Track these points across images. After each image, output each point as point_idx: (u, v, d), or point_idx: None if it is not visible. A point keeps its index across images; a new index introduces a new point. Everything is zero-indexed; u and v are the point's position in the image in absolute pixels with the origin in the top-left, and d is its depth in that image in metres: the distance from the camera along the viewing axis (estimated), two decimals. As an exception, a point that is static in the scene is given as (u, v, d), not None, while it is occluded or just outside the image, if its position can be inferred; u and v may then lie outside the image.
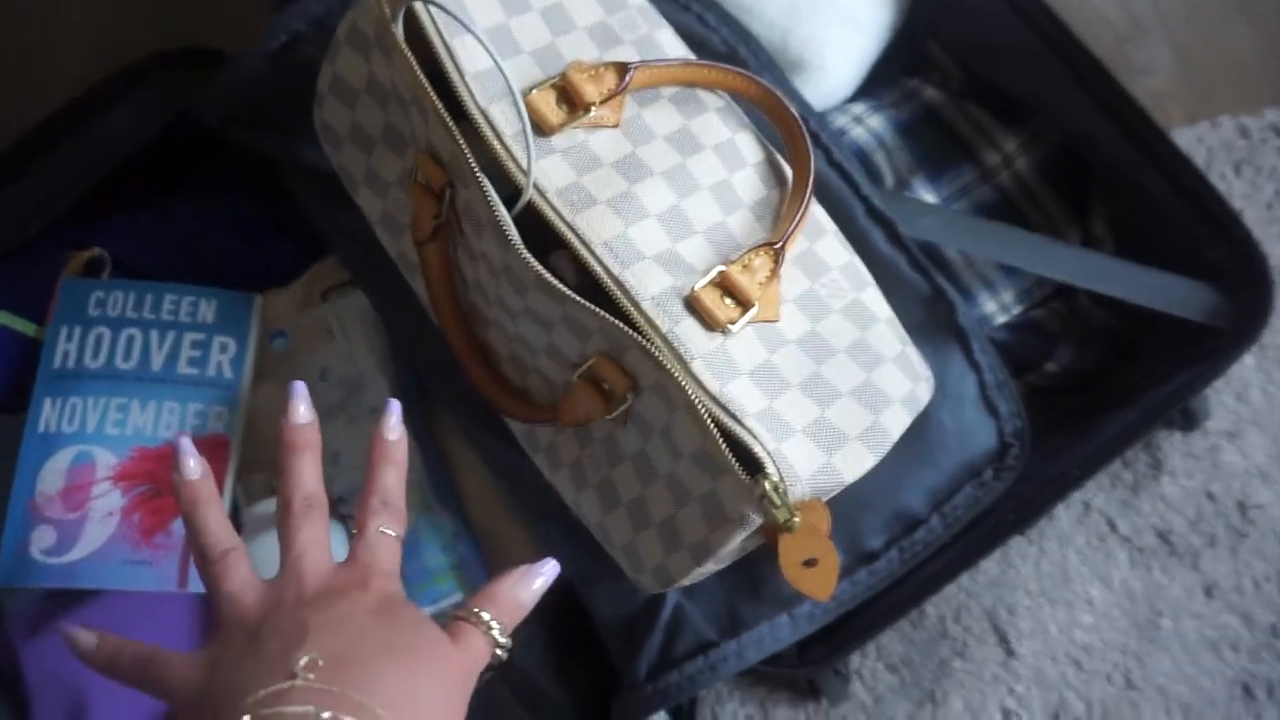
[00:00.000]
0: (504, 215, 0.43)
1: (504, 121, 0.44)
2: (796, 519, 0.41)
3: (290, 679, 0.34)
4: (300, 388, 0.43)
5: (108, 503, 0.56)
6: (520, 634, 0.41)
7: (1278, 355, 0.63)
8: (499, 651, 0.39)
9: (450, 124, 0.43)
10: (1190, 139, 0.68)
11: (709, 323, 0.43)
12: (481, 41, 0.42)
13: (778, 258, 0.44)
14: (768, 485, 0.40)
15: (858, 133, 0.61)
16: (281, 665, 0.35)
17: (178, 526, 0.56)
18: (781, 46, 0.60)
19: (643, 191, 0.45)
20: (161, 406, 0.58)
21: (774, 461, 0.41)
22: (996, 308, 0.60)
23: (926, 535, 0.53)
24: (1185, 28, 0.70)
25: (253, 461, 0.60)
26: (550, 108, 0.45)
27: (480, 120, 0.44)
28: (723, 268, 0.44)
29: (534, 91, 0.45)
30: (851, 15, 0.61)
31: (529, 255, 0.42)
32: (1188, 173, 0.56)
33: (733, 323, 0.43)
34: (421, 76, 0.44)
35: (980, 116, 0.63)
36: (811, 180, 0.47)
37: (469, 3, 0.47)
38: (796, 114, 0.49)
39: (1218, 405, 0.63)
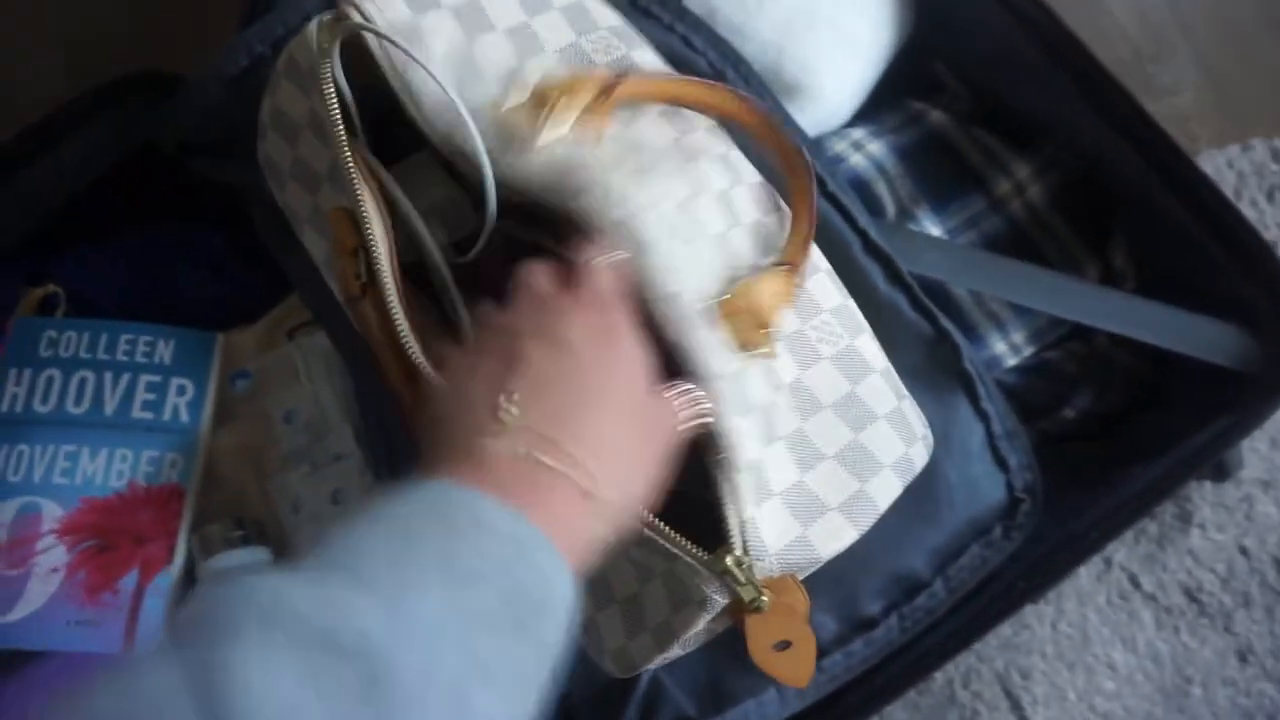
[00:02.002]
0: (392, 293, 0.39)
1: (467, 141, 0.41)
2: (765, 598, 0.37)
3: (498, 411, 0.32)
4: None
5: (52, 558, 0.53)
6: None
7: (1317, 399, 0.58)
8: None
9: (355, 182, 0.40)
10: (1219, 162, 0.63)
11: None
12: (430, 74, 0.39)
13: (794, 281, 0.40)
14: (729, 560, 0.36)
15: (856, 160, 0.57)
16: (494, 390, 0.33)
17: (125, 584, 0.52)
18: (775, 69, 0.56)
19: (651, 181, 0.41)
20: (113, 454, 0.55)
21: (741, 532, 0.37)
22: (1007, 349, 0.55)
23: (929, 601, 0.49)
24: (1213, 45, 0.65)
25: (210, 512, 0.57)
26: (526, 121, 0.41)
27: (441, 143, 0.40)
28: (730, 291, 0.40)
29: (504, 110, 0.42)
30: (850, 34, 0.57)
31: (423, 360, 0.39)
32: (1215, 200, 0.51)
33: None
34: (338, 125, 0.41)
35: (990, 141, 0.58)
36: (815, 204, 0.43)
37: (424, 25, 0.43)
38: (792, 135, 0.45)
39: (1250, 452, 0.58)
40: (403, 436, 0.54)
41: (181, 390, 0.57)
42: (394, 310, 0.40)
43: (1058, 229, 0.58)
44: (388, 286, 0.40)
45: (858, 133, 0.59)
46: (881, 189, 0.57)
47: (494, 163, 0.40)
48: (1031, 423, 0.54)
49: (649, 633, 0.40)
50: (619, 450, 0.34)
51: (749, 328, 0.39)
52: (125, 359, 0.57)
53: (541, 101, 0.41)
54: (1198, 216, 0.52)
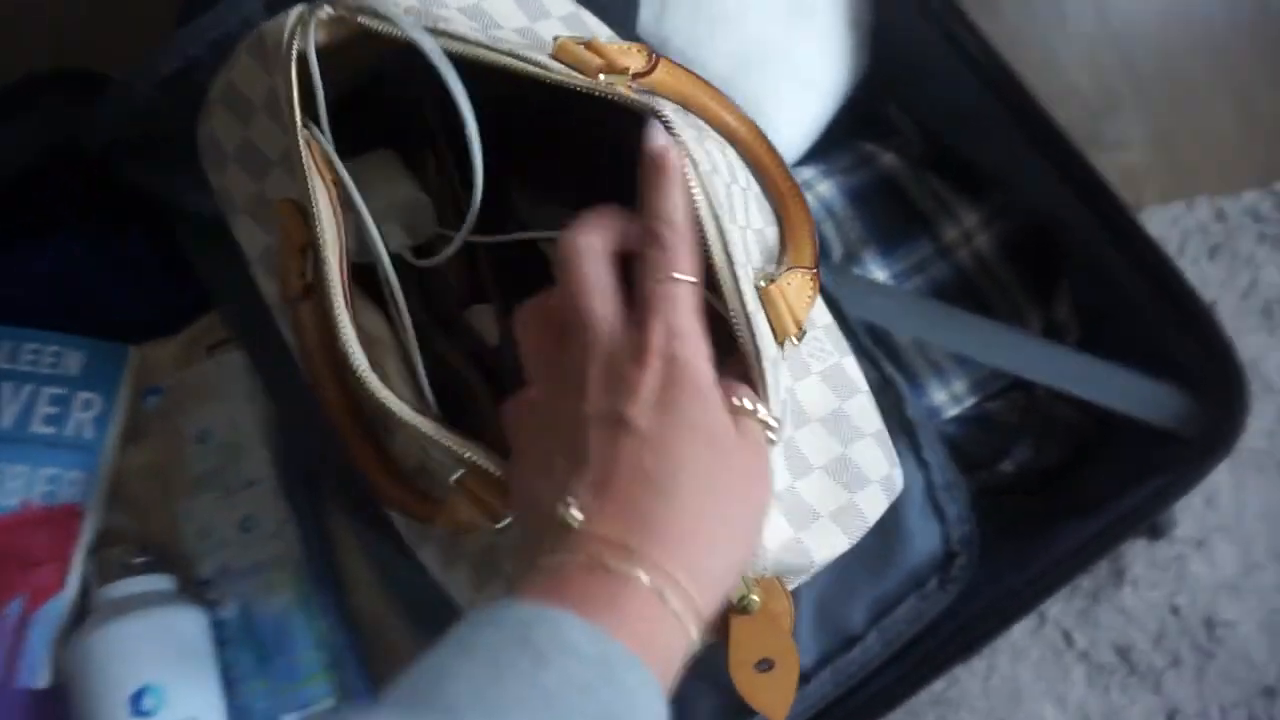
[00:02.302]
0: (344, 317, 0.37)
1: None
2: (755, 597, 0.35)
3: (562, 517, 0.30)
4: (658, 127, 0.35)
5: (-69, 580, 0.49)
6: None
7: (1251, 460, 0.59)
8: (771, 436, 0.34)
9: (308, 170, 0.37)
10: (1164, 220, 0.64)
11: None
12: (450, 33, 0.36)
13: (816, 283, 0.39)
14: None
15: (806, 199, 0.56)
16: (557, 492, 0.30)
17: (8, 613, 0.49)
18: (727, 102, 0.55)
19: (711, 149, 0.38)
20: (6, 470, 0.51)
21: None
22: (947, 398, 0.55)
23: (863, 655, 0.48)
24: (1163, 103, 0.66)
25: (114, 534, 0.53)
26: (587, 54, 0.39)
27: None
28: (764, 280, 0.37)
29: (564, 39, 0.39)
30: (803, 72, 0.56)
31: (365, 367, 0.36)
32: (1157, 260, 0.51)
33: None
34: (296, 109, 0.38)
35: (940, 188, 0.58)
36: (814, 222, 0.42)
37: (437, 13, 0.41)
38: (785, 162, 0.43)
39: (1185, 511, 0.58)
40: (321, 463, 0.51)
41: (88, 405, 0.54)
42: (338, 312, 0.37)
43: (1003, 278, 0.57)
44: (334, 285, 0.37)
45: (807, 172, 0.58)
46: (829, 230, 0.57)
47: (568, 78, 0.37)
48: (970, 474, 0.54)
49: None
50: (704, 535, 0.30)
51: (781, 319, 0.37)
52: (28, 369, 0.53)
53: (599, 49, 0.39)
54: (1140, 274, 0.51)
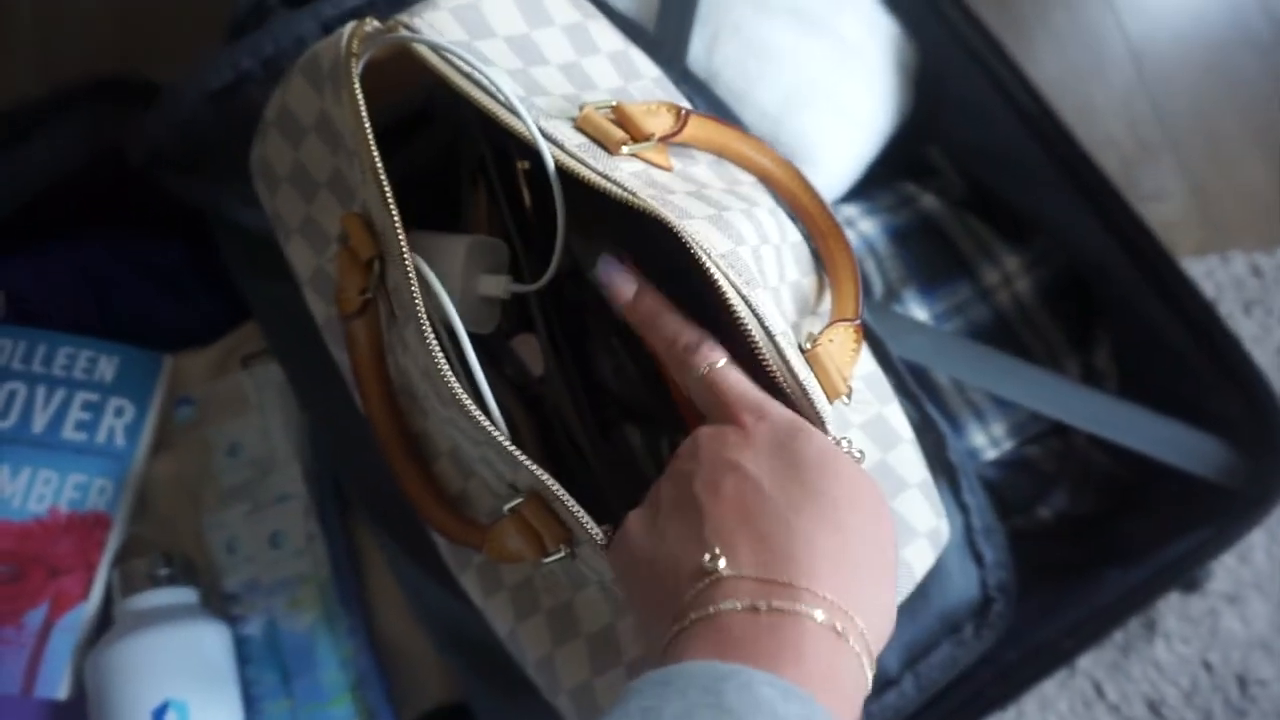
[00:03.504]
0: (423, 314, 0.36)
1: (560, 134, 0.38)
2: None
3: (704, 571, 0.29)
4: (609, 264, 0.37)
5: (-45, 585, 0.48)
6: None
7: (1286, 516, 0.58)
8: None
9: (386, 187, 0.37)
10: (1199, 273, 0.64)
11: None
12: (489, 77, 0.36)
13: (859, 336, 0.38)
14: None
15: (848, 236, 0.56)
16: (693, 551, 0.30)
17: (31, 620, 0.48)
18: (773, 138, 0.55)
19: (734, 219, 0.38)
20: (36, 475, 0.51)
21: None
22: (986, 441, 0.54)
23: (898, 700, 0.47)
24: (1198, 157, 0.66)
25: (139, 545, 0.53)
26: (610, 127, 0.39)
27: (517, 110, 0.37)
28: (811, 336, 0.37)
29: (588, 109, 0.39)
30: (849, 110, 0.56)
31: (450, 377, 0.35)
32: (1201, 311, 0.51)
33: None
34: (366, 123, 0.38)
35: (981, 230, 0.58)
36: (857, 267, 0.42)
37: (482, 48, 0.41)
38: (826, 202, 0.43)
39: (1218, 566, 0.57)
40: (355, 482, 0.51)
41: (120, 412, 0.53)
42: (420, 314, 0.36)
43: (1042, 323, 0.57)
44: (413, 291, 0.36)
45: (850, 209, 0.58)
46: (870, 267, 0.56)
47: (580, 162, 0.37)
48: (1006, 519, 0.53)
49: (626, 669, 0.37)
50: (849, 562, 0.29)
51: (830, 379, 0.36)
52: (62, 374, 0.53)
53: (624, 116, 0.39)
54: (1183, 325, 0.51)
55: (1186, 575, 0.49)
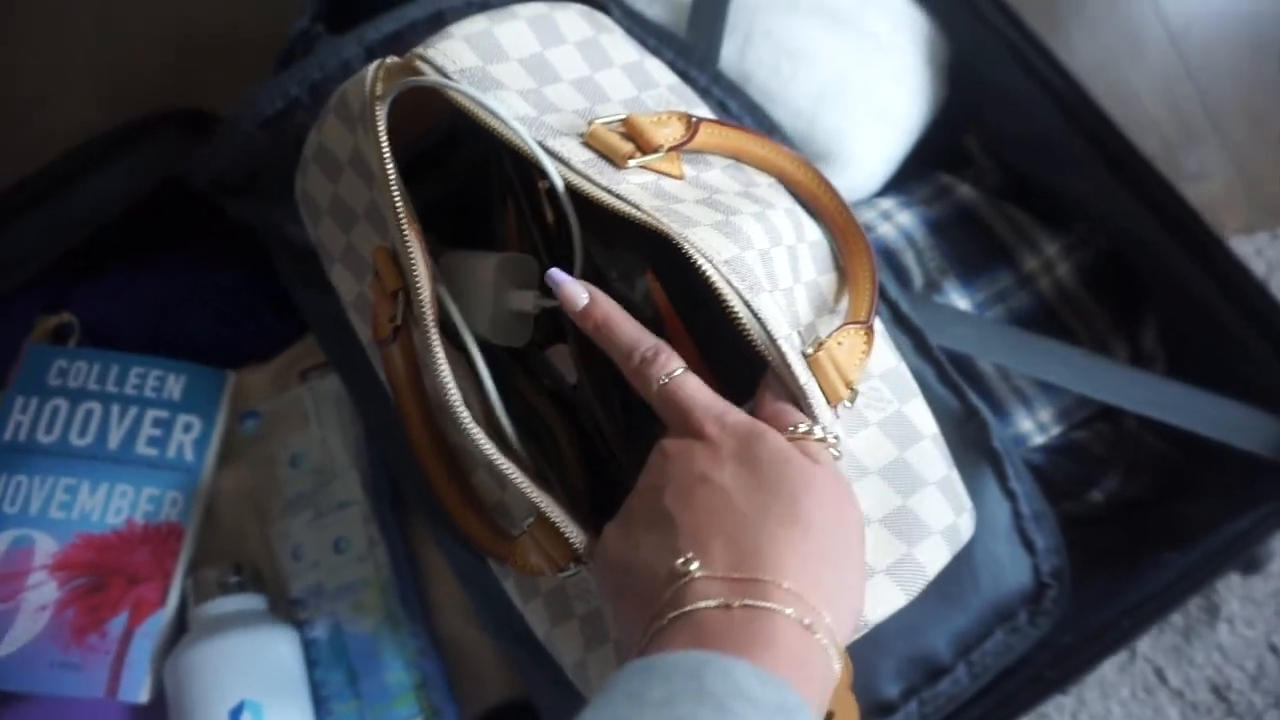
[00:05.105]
0: (440, 356, 0.38)
1: (566, 151, 0.40)
2: None
3: (677, 575, 0.30)
4: (557, 274, 0.38)
5: (42, 595, 0.51)
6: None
7: (1350, 494, 0.57)
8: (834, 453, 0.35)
9: (405, 230, 0.39)
10: (1248, 251, 0.63)
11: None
12: (499, 114, 0.38)
13: (870, 338, 0.39)
14: None
15: (885, 230, 0.57)
16: (665, 558, 0.31)
17: (113, 627, 0.50)
18: (808, 135, 0.56)
19: (743, 224, 0.39)
20: (113, 490, 0.53)
21: None
22: (1033, 427, 0.54)
23: (951, 687, 0.47)
24: (1243, 136, 0.65)
25: (209, 554, 0.55)
26: (617, 141, 0.40)
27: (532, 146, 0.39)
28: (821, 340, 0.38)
29: (597, 123, 0.41)
30: (883, 105, 0.57)
31: (460, 408, 0.37)
32: (1250, 286, 0.50)
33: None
34: (390, 166, 0.40)
35: (1018, 217, 0.58)
36: (875, 265, 0.42)
37: (494, 72, 0.43)
38: (845, 201, 0.44)
39: (1281, 546, 0.56)
40: (409, 487, 0.52)
41: (188, 428, 0.56)
42: (434, 348, 0.38)
43: (1086, 307, 0.57)
44: (429, 330, 0.38)
45: (887, 202, 0.58)
46: (909, 259, 0.57)
47: (585, 179, 0.39)
48: (1057, 504, 0.53)
49: None
50: (815, 557, 0.31)
51: (831, 384, 0.37)
52: (134, 393, 0.56)
53: (634, 128, 0.41)
54: (1232, 302, 0.51)
55: (1246, 555, 0.48)
